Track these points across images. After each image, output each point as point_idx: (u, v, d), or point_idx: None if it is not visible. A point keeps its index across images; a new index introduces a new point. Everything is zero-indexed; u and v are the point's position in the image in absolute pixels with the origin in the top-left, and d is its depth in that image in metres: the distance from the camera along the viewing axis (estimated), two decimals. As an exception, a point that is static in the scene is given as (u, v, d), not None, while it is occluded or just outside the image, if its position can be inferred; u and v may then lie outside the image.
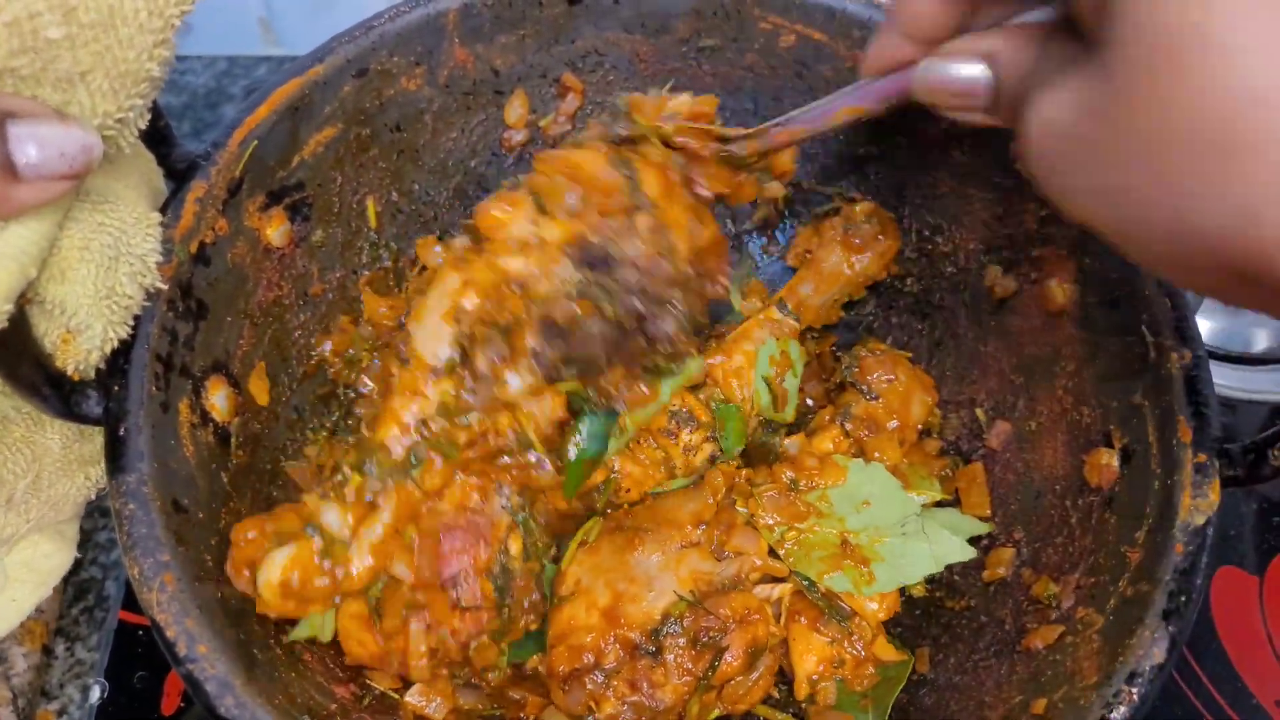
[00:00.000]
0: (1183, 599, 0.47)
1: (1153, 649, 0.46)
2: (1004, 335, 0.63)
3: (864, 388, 0.65)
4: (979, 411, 0.65)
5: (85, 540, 0.73)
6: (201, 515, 0.50)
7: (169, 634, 0.44)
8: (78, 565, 0.72)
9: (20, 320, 0.41)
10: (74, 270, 0.42)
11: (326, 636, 0.53)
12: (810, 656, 0.58)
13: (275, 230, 0.59)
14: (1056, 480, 0.58)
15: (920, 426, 0.66)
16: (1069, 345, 0.59)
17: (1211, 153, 0.31)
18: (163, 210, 0.51)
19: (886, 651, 0.59)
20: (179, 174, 0.53)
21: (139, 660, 0.66)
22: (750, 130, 0.54)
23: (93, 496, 0.54)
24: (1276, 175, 0.30)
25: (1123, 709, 0.45)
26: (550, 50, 0.67)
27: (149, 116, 0.42)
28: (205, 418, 0.53)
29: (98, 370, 0.46)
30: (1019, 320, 0.62)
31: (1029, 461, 0.61)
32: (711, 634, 0.54)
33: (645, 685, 0.51)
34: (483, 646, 0.54)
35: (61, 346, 0.44)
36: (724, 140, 0.55)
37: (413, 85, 0.63)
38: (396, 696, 0.54)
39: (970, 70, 0.42)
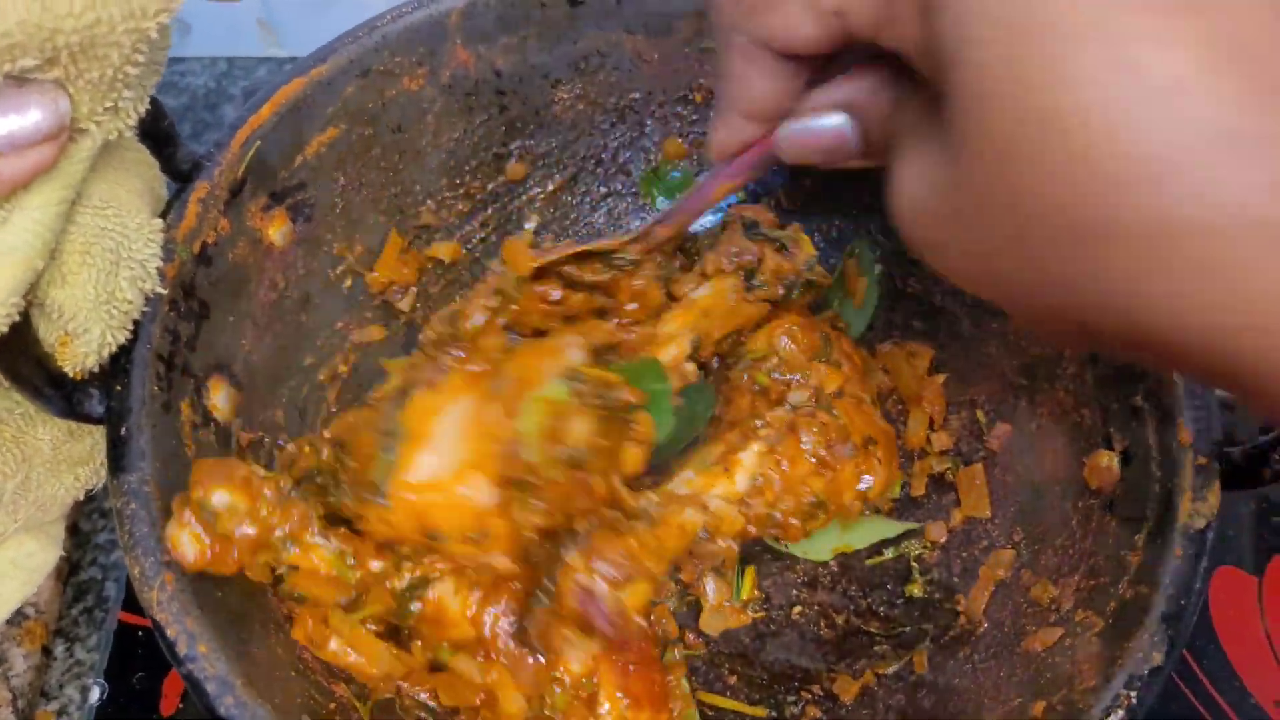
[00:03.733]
0: (1182, 602, 0.47)
1: (1152, 652, 0.46)
2: (1006, 337, 0.63)
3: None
4: (979, 413, 0.65)
5: (85, 541, 0.73)
6: (202, 515, 0.50)
7: (169, 633, 0.45)
8: (77, 566, 0.72)
9: (22, 321, 0.41)
10: (74, 274, 0.42)
11: None
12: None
13: (277, 231, 0.59)
14: (1057, 482, 0.59)
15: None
16: (1070, 347, 0.59)
17: (1073, 242, 0.27)
18: (166, 211, 0.51)
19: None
20: (183, 175, 0.53)
21: (138, 661, 0.66)
22: (629, 236, 0.55)
23: (81, 497, 0.54)
24: (1148, 262, 0.26)
25: (1121, 712, 0.46)
26: (552, 51, 0.66)
27: (148, 102, 0.42)
28: (207, 417, 0.53)
29: (100, 370, 0.46)
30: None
31: (1029, 463, 0.61)
32: None
33: None
34: None
35: (60, 349, 0.44)
36: (606, 254, 0.55)
37: (415, 85, 0.63)
38: (395, 697, 0.55)
39: (832, 121, 0.39)
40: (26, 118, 0.35)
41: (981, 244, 0.30)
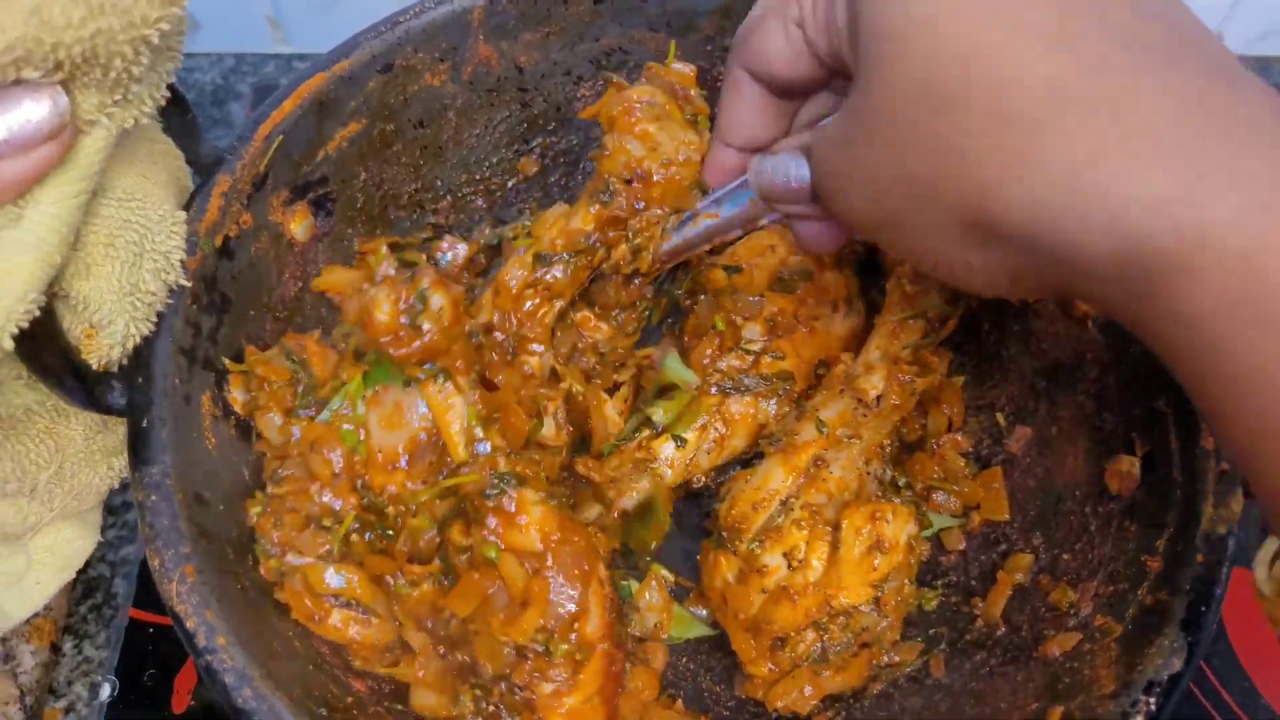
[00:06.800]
0: (1202, 609, 0.47)
1: (1171, 659, 0.46)
2: (1026, 339, 0.63)
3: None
4: (999, 416, 0.65)
5: (94, 536, 0.73)
6: (222, 508, 0.50)
7: (189, 625, 0.44)
8: (86, 563, 0.72)
9: (46, 313, 0.41)
10: (98, 266, 0.42)
11: None
12: None
13: (299, 225, 0.59)
14: (1077, 486, 0.58)
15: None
16: (1092, 350, 0.58)
17: (929, 118, 0.34)
18: (188, 204, 0.51)
19: None
20: (205, 168, 0.53)
21: (149, 658, 0.66)
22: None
23: (116, 486, 0.55)
24: (980, 120, 0.33)
25: (1139, 719, 0.45)
26: (575, 48, 0.67)
27: (164, 89, 0.41)
28: (227, 410, 0.53)
29: (122, 362, 0.46)
30: (1042, 324, 0.62)
31: (1049, 467, 0.61)
32: None
33: None
34: None
35: (85, 341, 0.44)
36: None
37: (437, 81, 0.63)
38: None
39: (787, 157, 0.45)
40: (25, 118, 0.35)
41: (874, 178, 0.38)
